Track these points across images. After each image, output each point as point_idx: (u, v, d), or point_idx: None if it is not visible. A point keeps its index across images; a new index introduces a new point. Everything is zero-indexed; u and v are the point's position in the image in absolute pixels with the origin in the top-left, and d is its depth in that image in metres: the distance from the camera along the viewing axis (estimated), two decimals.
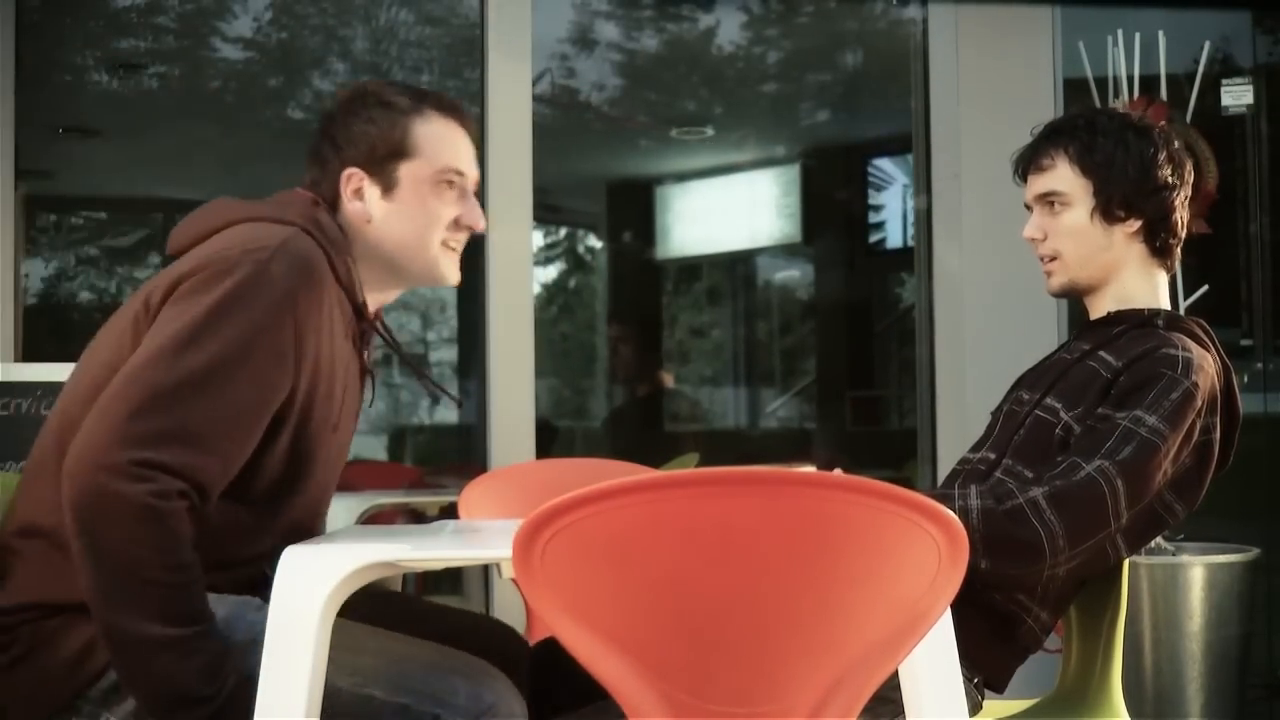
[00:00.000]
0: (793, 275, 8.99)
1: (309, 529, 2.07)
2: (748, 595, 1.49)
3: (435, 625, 2.17)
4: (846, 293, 8.21)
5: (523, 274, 4.20)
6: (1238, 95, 4.30)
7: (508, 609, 3.64)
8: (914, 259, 4.74)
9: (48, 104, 6.03)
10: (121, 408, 1.80)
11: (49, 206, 7.51)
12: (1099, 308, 2.35)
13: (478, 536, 2.13)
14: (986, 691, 2.26)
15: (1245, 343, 4.73)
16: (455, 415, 8.49)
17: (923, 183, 4.56)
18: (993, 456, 2.29)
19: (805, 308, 8.80)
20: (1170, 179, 2.29)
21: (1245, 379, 3.71)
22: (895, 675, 1.68)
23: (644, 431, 6.95)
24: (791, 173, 7.91)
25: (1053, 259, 2.34)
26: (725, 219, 8.08)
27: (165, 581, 1.77)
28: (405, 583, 2.73)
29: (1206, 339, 2.30)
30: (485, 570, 4.23)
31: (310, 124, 4.18)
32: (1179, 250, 2.36)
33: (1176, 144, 2.34)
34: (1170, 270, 2.39)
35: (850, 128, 7.81)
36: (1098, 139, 2.29)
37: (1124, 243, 2.31)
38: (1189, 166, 2.35)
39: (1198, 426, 2.18)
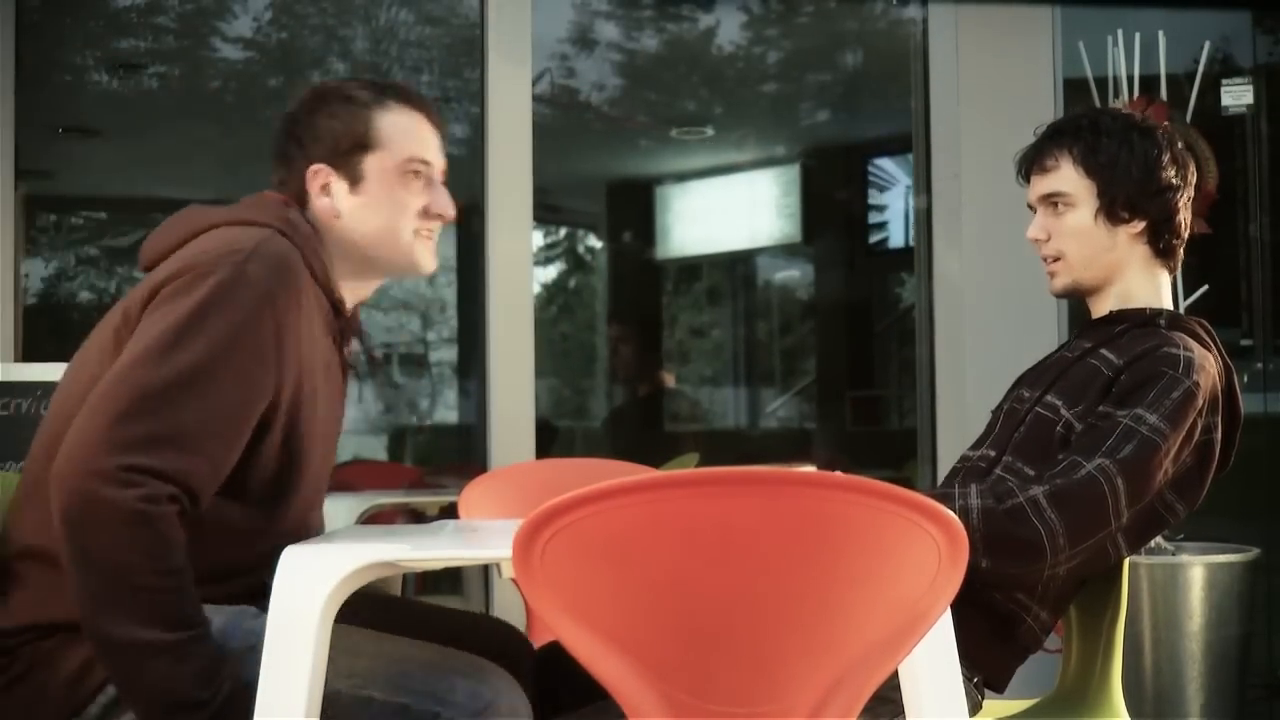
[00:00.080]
0: (793, 275, 8.99)
1: (309, 528, 2.07)
2: (748, 595, 1.49)
3: (436, 626, 2.17)
4: (846, 293, 8.21)
5: (523, 274, 4.20)
6: (1238, 95, 4.30)
7: (508, 609, 3.63)
8: (914, 259, 4.74)
9: (48, 104, 6.03)
10: (107, 413, 1.80)
11: (49, 206, 7.51)
12: (1101, 308, 2.35)
13: (478, 536, 2.13)
14: (986, 691, 2.26)
15: (1245, 343, 4.73)
16: (455, 415, 8.50)
17: (923, 183, 4.56)
18: (993, 454, 2.29)
19: (805, 308, 8.81)
20: (1174, 180, 2.29)
21: (1245, 379, 3.71)
22: (895, 675, 1.68)
23: (644, 431, 6.96)
24: (791, 173, 7.91)
25: (1056, 260, 2.34)
26: (725, 219, 8.08)
27: (157, 586, 1.76)
28: (405, 583, 2.73)
29: (1208, 339, 2.30)
30: (485, 570, 4.23)
31: None
32: (1182, 251, 2.36)
33: (1180, 144, 2.34)
34: (1173, 270, 2.39)
35: (850, 128, 7.81)
36: (1102, 140, 2.29)
37: (1127, 243, 2.31)
38: (1192, 167, 2.35)
39: (1199, 426, 2.18)
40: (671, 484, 1.48)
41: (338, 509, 3.92)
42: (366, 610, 2.08)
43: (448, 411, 8.77)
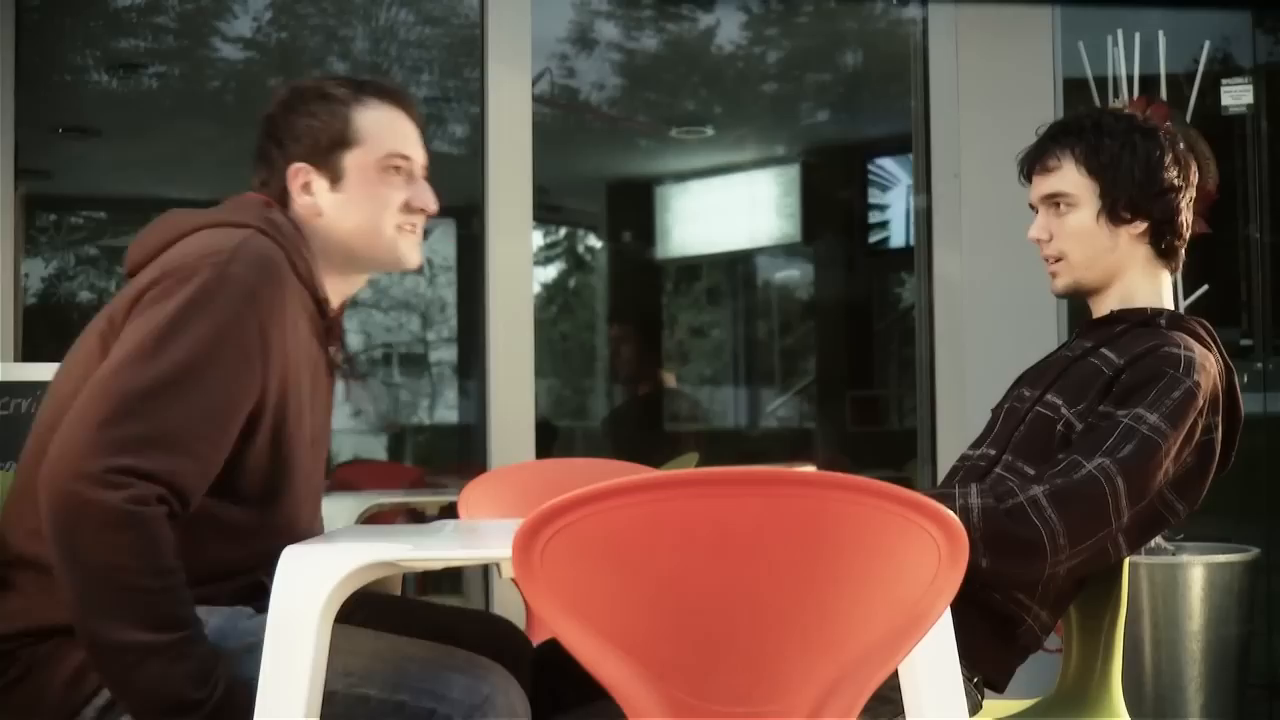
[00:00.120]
0: (793, 275, 8.99)
1: (305, 527, 2.07)
2: (747, 595, 1.49)
3: (436, 624, 2.17)
4: (846, 293, 8.21)
5: (523, 274, 4.20)
6: (1238, 95, 4.30)
7: (508, 609, 3.63)
8: (914, 259, 4.74)
9: (48, 104, 6.03)
10: (93, 416, 1.80)
11: (49, 206, 7.51)
12: (1102, 308, 2.36)
13: (478, 536, 2.13)
14: (986, 691, 2.26)
15: (1245, 343, 4.73)
16: (455, 415, 8.50)
17: (923, 183, 4.56)
18: (993, 453, 2.29)
19: (805, 308, 8.80)
20: (1176, 181, 2.30)
21: (1245, 379, 3.71)
22: (895, 675, 1.68)
23: (644, 431, 6.95)
24: (791, 173, 7.91)
25: (1058, 260, 2.34)
26: (725, 219, 8.07)
27: (148, 587, 1.76)
28: (405, 583, 2.73)
29: (1209, 339, 2.30)
30: (485, 570, 4.23)
31: None
32: (1183, 251, 2.36)
33: (1182, 145, 2.34)
34: (1174, 271, 2.39)
35: (850, 128, 7.81)
36: (1104, 140, 2.29)
37: (1129, 244, 2.31)
38: (1194, 168, 2.35)
39: (1199, 426, 2.18)
40: (671, 484, 1.48)
41: (338, 509, 3.92)
42: (365, 609, 2.08)
43: (448, 411, 8.77)
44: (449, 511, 3.90)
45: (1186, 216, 2.33)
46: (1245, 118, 4.50)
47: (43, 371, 2.96)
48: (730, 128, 7.85)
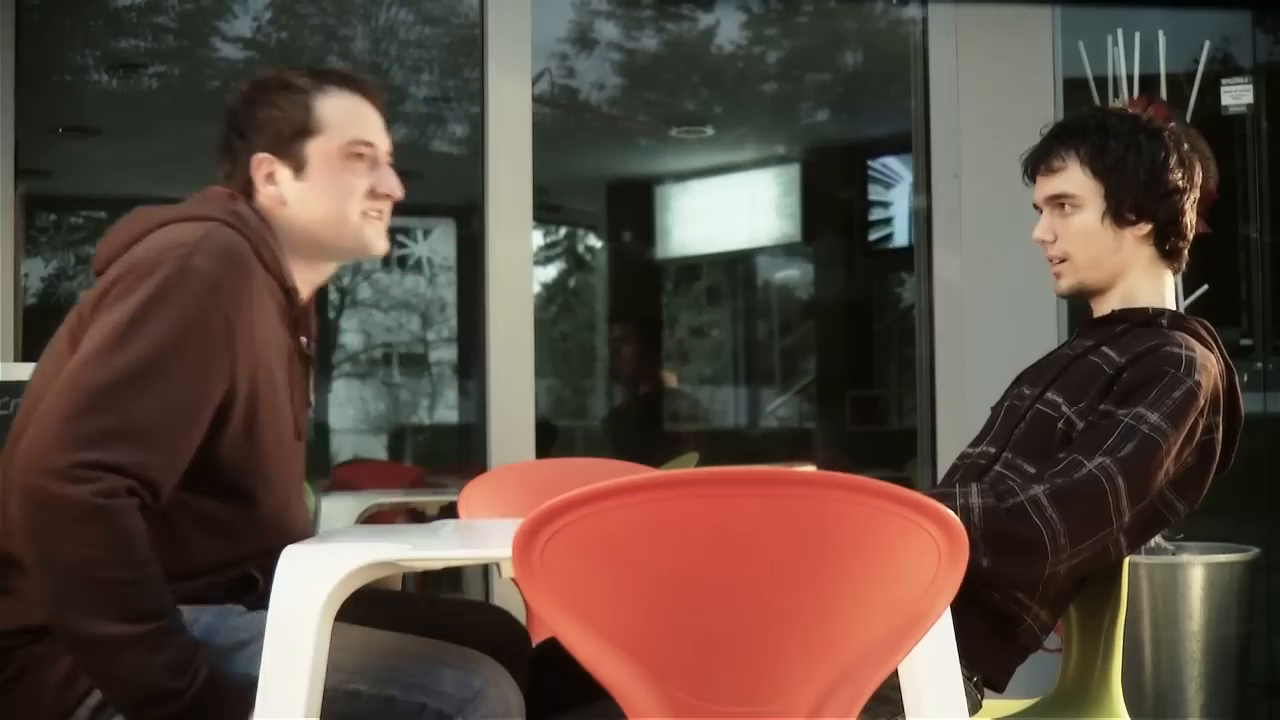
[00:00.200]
0: (793, 275, 8.99)
1: (291, 519, 2.07)
2: (747, 595, 1.49)
3: (435, 618, 2.17)
4: (846, 293, 8.21)
5: (523, 274, 4.20)
6: (1238, 95, 4.30)
7: (508, 608, 3.63)
8: (914, 259, 4.74)
9: (48, 104, 6.03)
10: (60, 411, 1.80)
11: (49, 206, 7.52)
12: (1104, 308, 2.35)
13: (477, 536, 2.13)
14: (986, 691, 2.25)
15: (1245, 343, 4.73)
16: (455, 415, 8.50)
17: (923, 183, 4.56)
18: (993, 451, 2.29)
19: (805, 307, 8.80)
20: (1180, 182, 2.29)
21: (1245, 379, 3.71)
22: (895, 675, 1.68)
23: (644, 431, 6.95)
24: (791, 172, 7.91)
25: (1062, 260, 2.34)
26: (725, 219, 8.08)
27: (121, 579, 1.77)
28: (405, 583, 2.73)
29: (1209, 339, 2.30)
30: (485, 570, 4.23)
31: None
32: (1187, 252, 2.36)
33: (1186, 146, 2.34)
34: (1178, 271, 2.39)
35: (850, 127, 7.81)
36: (1109, 141, 2.29)
37: (1133, 245, 2.31)
38: (1198, 169, 2.35)
39: (1200, 425, 2.18)
40: (671, 484, 1.48)
41: (338, 509, 3.92)
42: (364, 605, 2.08)
43: (448, 411, 8.77)
44: (449, 511, 3.90)
45: (1191, 217, 2.33)
46: (1245, 118, 4.50)
47: None
48: (730, 127, 7.85)
